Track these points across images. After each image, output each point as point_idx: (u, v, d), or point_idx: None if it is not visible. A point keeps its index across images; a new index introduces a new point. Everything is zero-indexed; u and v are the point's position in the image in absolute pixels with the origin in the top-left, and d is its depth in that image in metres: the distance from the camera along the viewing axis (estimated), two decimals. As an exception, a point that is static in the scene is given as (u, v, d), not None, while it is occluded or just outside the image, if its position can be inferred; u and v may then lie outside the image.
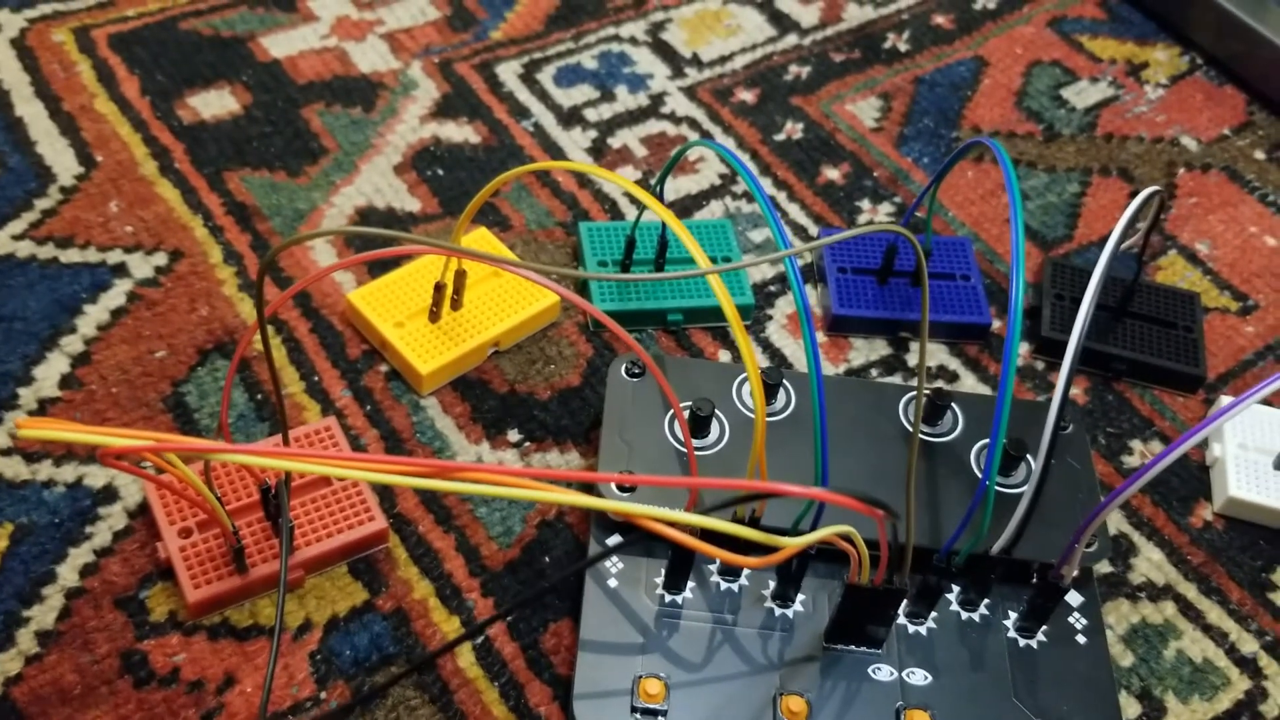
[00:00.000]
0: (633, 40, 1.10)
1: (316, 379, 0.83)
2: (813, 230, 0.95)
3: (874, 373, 0.87)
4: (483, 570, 0.75)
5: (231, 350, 0.83)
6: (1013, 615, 0.72)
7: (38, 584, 0.72)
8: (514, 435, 0.82)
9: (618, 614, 0.69)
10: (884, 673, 0.69)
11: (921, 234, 0.91)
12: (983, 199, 0.99)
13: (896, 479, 0.74)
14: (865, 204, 0.98)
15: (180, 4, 1.06)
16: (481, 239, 0.89)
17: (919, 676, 0.69)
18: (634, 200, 0.96)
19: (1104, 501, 0.63)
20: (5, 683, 0.68)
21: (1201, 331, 0.90)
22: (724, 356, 0.87)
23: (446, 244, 0.62)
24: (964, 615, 0.71)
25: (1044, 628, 0.71)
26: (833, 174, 1.00)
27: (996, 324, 0.90)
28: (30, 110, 0.97)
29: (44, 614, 0.71)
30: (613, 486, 0.70)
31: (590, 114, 1.03)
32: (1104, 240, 0.96)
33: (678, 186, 0.97)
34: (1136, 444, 0.85)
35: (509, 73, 1.05)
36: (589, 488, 0.71)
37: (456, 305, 0.84)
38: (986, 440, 0.76)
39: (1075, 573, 0.68)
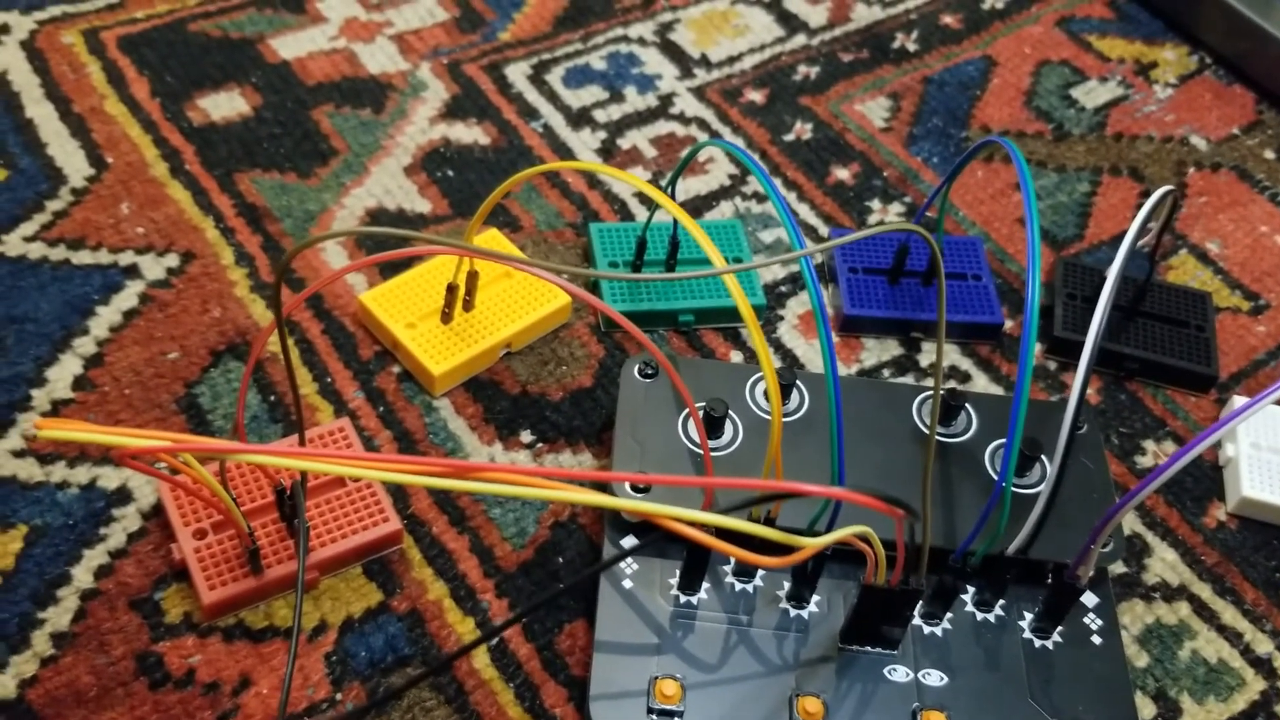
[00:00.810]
0: (641, 41, 1.10)
1: (329, 380, 0.83)
2: (823, 230, 0.95)
3: (886, 373, 0.87)
4: (497, 571, 0.75)
5: (243, 351, 0.83)
6: (1028, 616, 0.72)
7: (52, 586, 0.72)
8: (526, 436, 0.82)
9: (633, 615, 0.69)
10: (900, 674, 0.69)
11: (933, 234, 0.91)
12: (993, 198, 0.99)
13: (909, 479, 0.74)
14: (875, 204, 0.98)
15: (189, 6, 1.06)
16: (493, 240, 0.89)
17: (935, 677, 0.69)
18: (644, 201, 0.96)
19: (1119, 502, 0.63)
20: (21, 685, 0.68)
21: (1213, 331, 0.90)
22: (735, 357, 0.87)
23: (462, 244, 0.62)
24: (979, 616, 0.71)
25: (1059, 628, 0.71)
26: (842, 174, 1.00)
27: (1008, 324, 0.90)
28: (40, 112, 0.97)
29: (59, 616, 0.71)
30: (626, 486, 0.70)
31: (599, 115, 1.03)
32: (1115, 240, 0.96)
33: (687, 187, 0.97)
34: (1149, 444, 0.85)
35: (518, 74, 1.05)
36: (604, 488, 0.71)
37: (469, 306, 0.84)
38: (1001, 441, 0.76)
39: (1091, 573, 0.67)
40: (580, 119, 1.02)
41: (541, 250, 0.92)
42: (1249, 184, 1.03)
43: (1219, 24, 1.13)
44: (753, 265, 0.63)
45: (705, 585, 0.71)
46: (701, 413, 0.73)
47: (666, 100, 1.05)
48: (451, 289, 0.83)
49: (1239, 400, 0.87)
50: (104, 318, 0.84)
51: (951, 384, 0.87)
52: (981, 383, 0.87)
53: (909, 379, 0.87)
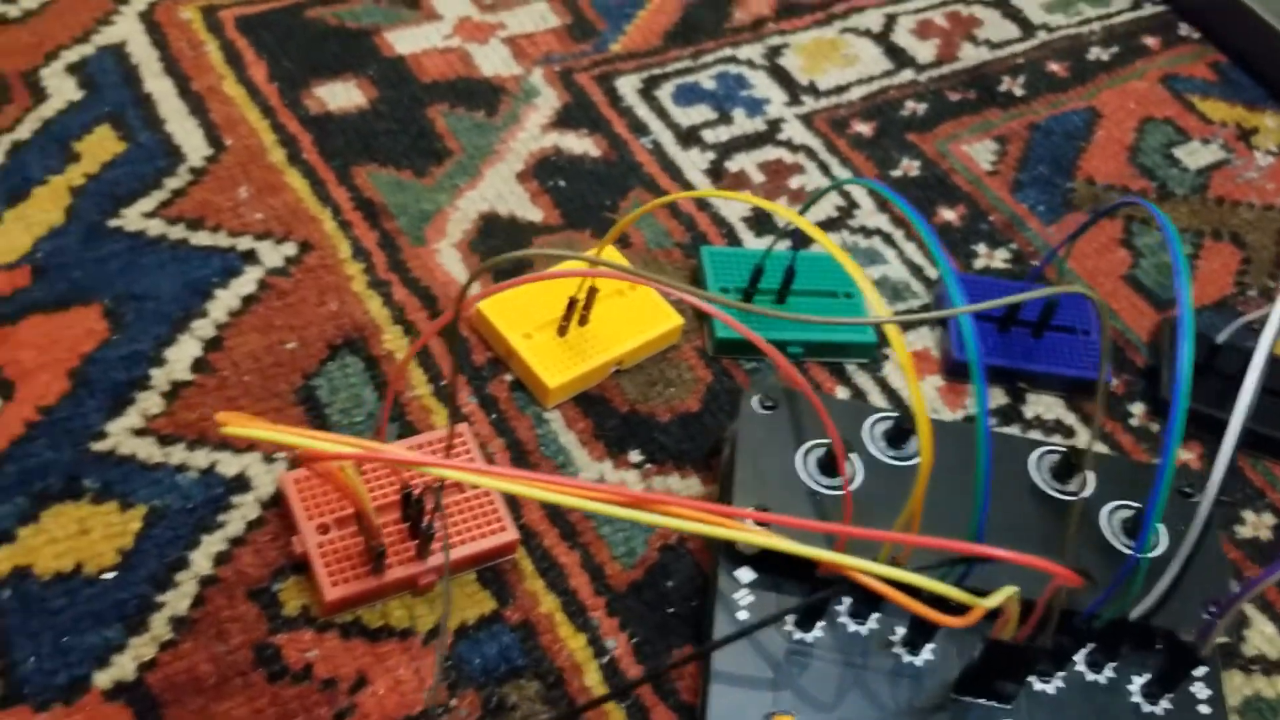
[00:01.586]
0: (750, 63, 1.10)
1: (444, 384, 0.83)
2: (930, 271, 0.96)
3: (991, 421, 0.88)
4: (607, 590, 0.76)
5: (360, 347, 0.84)
6: (1135, 680, 0.72)
7: (171, 570, 0.72)
8: (635, 456, 0.82)
9: (749, 649, 0.70)
10: (1011, 728, 0.69)
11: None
12: (1098, 253, 1.00)
13: (1022, 535, 0.74)
14: (981, 248, 0.98)
15: (305, -9, 1.07)
16: (610, 256, 0.90)
17: (1044, 734, 0.69)
18: (751, 226, 0.96)
19: (1254, 580, 0.64)
20: (140, 668, 0.69)
21: (1312, 407, 0.91)
22: (840, 392, 0.87)
23: (636, 270, 0.62)
24: (1089, 676, 0.72)
25: (1169, 694, 0.72)
26: (949, 215, 1.01)
27: (1114, 381, 0.91)
28: (159, 87, 0.97)
29: (178, 600, 0.71)
30: (748, 522, 0.71)
31: (708, 135, 1.03)
32: (1217, 304, 0.97)
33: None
34: (1249, 514, 0.86)
35: (628, 87, 1.06)
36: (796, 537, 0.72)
37: (584, 321, 0.85)
38: (1118, 503, 0.77)
39: (1213, 645, 0.68)
40: (689, 138, 1.03)
41: (651, 269, 0.92)
42: (1346, 258, 1.04)
43: (1320, 95, 1.14)
44: (915, 319, 0.64)
45: (820, 624, 0.71)
46: (824, 450, 0.74)
47: (774, 125, 1.05)
48: (573, 303, 0.83)
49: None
50: (223, 301, 0.84)
51: (1062, 439, 0.87)
52: (1084, 438, 0.88)
53: (1015, 429, 0.88)
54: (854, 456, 0.76)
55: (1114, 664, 0.72)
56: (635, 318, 0.86)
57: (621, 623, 0.75)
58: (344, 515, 0.73)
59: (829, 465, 0.75)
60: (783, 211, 0.68)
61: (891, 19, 1.17)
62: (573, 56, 1.07)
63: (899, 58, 1.14)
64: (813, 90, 1.09)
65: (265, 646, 0.70)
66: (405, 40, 1.05)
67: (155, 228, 0.88)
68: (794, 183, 1.00)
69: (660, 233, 0.95)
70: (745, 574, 0.73)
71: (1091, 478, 0.78)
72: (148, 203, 0.89)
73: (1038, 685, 0.71)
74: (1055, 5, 1.21)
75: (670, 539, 0.79)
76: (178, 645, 0.70)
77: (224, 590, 0.72)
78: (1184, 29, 1.22)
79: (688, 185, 0.99)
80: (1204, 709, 0.72)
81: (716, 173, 1.00)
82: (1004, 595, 0.59)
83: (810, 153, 1.03)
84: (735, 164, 1.01)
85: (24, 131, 0.92)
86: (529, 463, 0.81)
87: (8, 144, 0.91)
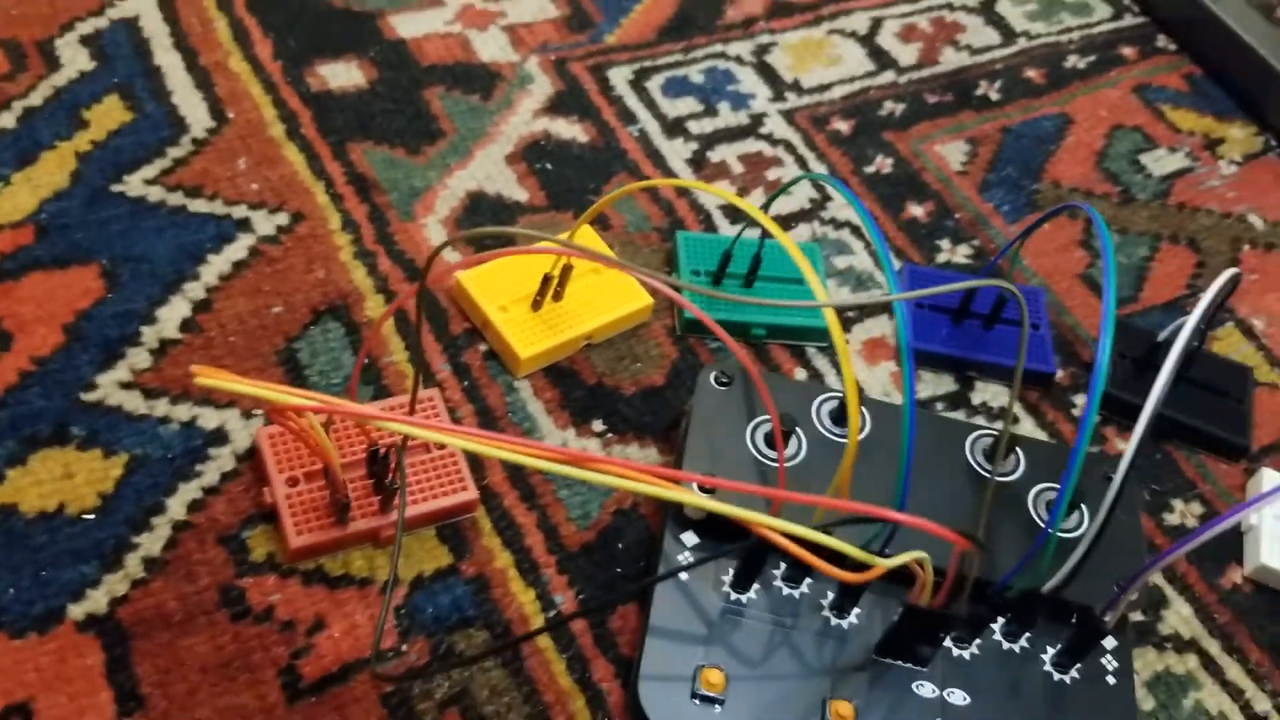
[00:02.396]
0: (739, 60, 1.14)
1: (412, 341, 0.88)
2: (895, 263, 1.00)
3: (939, 406, 0.92)
4: (560, 549, 0.80)
5: (343, 313, 0.88)
6: (1049, 650, 0.76)
7: (148, 513, 0.77)
8: (598, 425, 0.87)
9: (685, 606, 0.74)
10: (927, 689, 0.73)
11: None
12: (1057, 251, 1.04)
13: (956, 511, 0.79)
14: (945, 243, 1.02)
15: (315, -27, 1.12)
16: (587, 237, 0.94)
17: (958, 696, 0.73)
18: (728, 214, 1.00)
19: (1154, 560, 0.68)
20: (112, 603, 0.74)
21: (1251, 404, 0.95)
22: (799, 374, 0.92)
23: (610, 255, 0.67)
24: (1005, 645, 0.76)
25: (1078, 665, 0.76)
26: (917, 211, 1.05)
27: (1059, 374, 0.95)
28: (168, 60, 1.02)
29: (151, 542, 0.76)
30: (694, 486, 0.75)
31: (693, 126, 1.07)
32: (1168, 305, 1.01)
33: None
34: (1178, 504, 0.90)
35: (620, 77, 1.10)
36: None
37: (558, 296, 0.89)
38: (1045, 485, 0.81)
39: (1118, 618, 0.73)
40: (674, 128, 1.07)
41: (629, 251, 0.97)
42: (1301, 267, 1.08)
43: (1288, 109, 1.18)
44: (852, 303, 0.68)
45: (755, 586, 0.76)
46: (771, 426, 0.78)
47: (757, 120, 1.09)
48: (547, 279, 0.88)
49: (1267, 473, 0.91)
50: (215, 266, 0.89)
51: (1000, 425, 0.91)
52: (1028, 427, 0.92)
53: (960, 414, 0.92)
54: (800, 432, 0.80)
55: (1029, 635, 0.77)
56: (607, 296, 0.91)
57: (570, 580, 0.79)
58: (313, 470, 0.78)
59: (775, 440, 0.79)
60: (742, 204, 0.72)
61: (878, 22, 1.21)
62: (568, 46, 1.12)
63: (881, 59, 1.18)
64: (796, 88, 1.13)
65: (231, 588, 0.75)
66: (408, 24, 1.10)
67: (155, 194, 0.93)
68: (771, 175, 1.04)
69: (640, 217, 0.99)
70: (690, 538, 0.77)
71: (1024, 460, 0.82)
72: (150, 170, 0.94)
73: (955, 651, 0.75)
74: (1038, 14, 1.25)
75: (625, 503, 0.83)
76: (149, 584, 0.74)
77: (196, 535, 0.77)
78: (1162, 41, 1.25)
79: (670, 173, 1.03)
80: (1111, 679, 0.76)
81: (698, 163, 1.04)
82: (907, 557, 0.64)
83: (789, 147, 1.07)
84: (717, 154, 1.05)
85: (36, 98, 0.97)
86: (496, 428, 0.85)
87: (20, 110, 0.96)
